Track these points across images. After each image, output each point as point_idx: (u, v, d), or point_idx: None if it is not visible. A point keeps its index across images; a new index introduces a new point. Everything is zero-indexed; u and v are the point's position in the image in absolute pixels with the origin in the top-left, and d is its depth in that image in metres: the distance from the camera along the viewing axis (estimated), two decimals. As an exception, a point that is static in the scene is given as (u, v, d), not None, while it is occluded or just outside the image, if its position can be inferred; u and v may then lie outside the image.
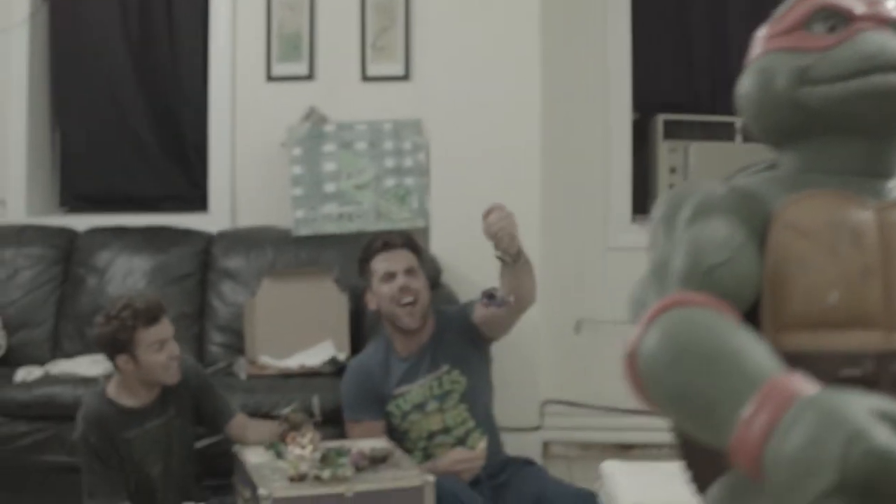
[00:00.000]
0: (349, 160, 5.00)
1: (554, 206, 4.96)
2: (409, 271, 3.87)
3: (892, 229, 1.41)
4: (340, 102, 5.16)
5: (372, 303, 3.94)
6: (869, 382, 1.24)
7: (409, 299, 3.82)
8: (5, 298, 4.92)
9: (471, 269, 4.56)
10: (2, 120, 5.41)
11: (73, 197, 5.71)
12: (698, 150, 5.21)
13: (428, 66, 5.00)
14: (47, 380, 4.38)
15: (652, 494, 1.68)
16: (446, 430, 3.79)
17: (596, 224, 5.26)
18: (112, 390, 3.67)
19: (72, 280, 4.99)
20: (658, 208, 1.48)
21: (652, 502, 1.65)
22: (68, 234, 5.15)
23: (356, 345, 4.53)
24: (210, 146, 5.33)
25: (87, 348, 4.56)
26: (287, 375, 4.41)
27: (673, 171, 5.25)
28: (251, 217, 5.22)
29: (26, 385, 4.34)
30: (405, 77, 5.16)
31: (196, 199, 5.46)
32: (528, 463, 3.90)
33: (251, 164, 5.25)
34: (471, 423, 3.79)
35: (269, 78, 5.25)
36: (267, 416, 3.92)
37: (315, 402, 3.72)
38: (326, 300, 4.66)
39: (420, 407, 3.81)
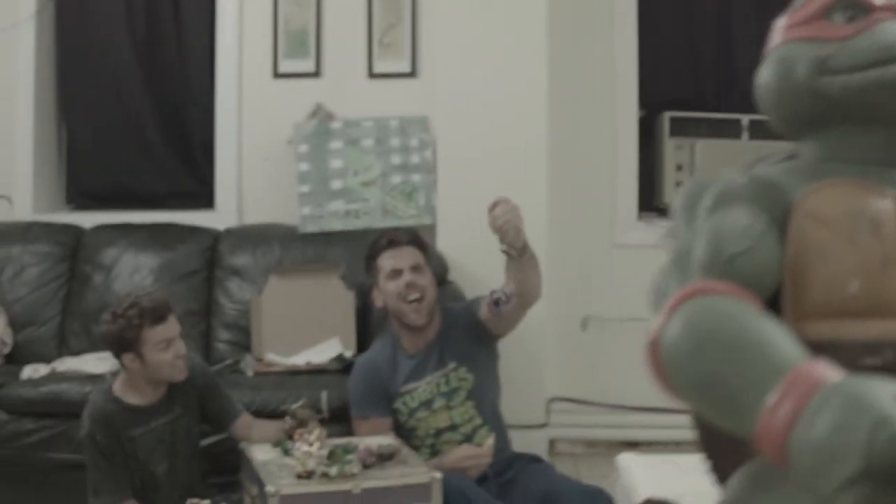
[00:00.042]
0: (356, 157, 5.00)
1: (560, 203, 4.96)
2: (416, 268, 3.87)
3: None
4: (347, 99, 5.15)
5: (378, 300, 3.94)
6: (890, 371, 1.23)
7: (415, 296, 3.82)
8: (12, 296, 4.92)
9: (477, 266, 4.56)
10: (8, 117, 5.42)
11: (80, 194, 5.72)
12: (704, 148, 5.20)
13: (435, 62, 4.99)
14: (54, 377, 4.39)
15: (668, 487, 1.68)
16: (453, 428, 3.78)
17: (602, 221, 5.26)
18: (118, 388, 3.67)
19: (78, 277, 4.99)
20: (678, 198, 1.48)
21: (668, 494, 1.64)
22: (75, 232, 5.14)
23: (363, 342, 4.53)
24: (217, 143, 5.33)
25: (93, 345, 4.56)
26: (294, 372, 4.41)
27: (679, 168, 5.24)
28: (258, 214, 5.22)
29: (33, 382, 4.35)
30: (412, 74, 5.16)
31: (202, 196, 5.46)
32: (535, 460, 3.89)
33: (258, 161, 5.25)
34: (478, 421, 3.79)
35: (276, 75, 5.25)
36: (274, 413, 3.91)
37: (324, 398, 3.72)
38: (333, 297, 4.66)
39: (427, 404, 3.80)
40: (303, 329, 4.59)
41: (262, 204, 5.23)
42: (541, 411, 4.85)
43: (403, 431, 3.77)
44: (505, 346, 4.01)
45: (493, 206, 3.55)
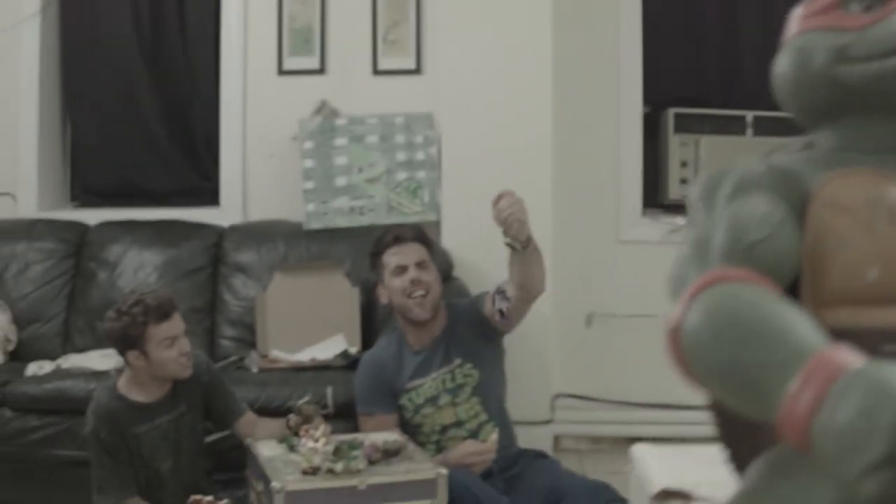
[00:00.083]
0: (360, 154, 5.00)
1: (565, 199, 4.96)
2: (421, 265, 3.87)
3: None
4: (352, 96, 5.15)
5: (384, 296, 3.94)
6: (909, 358, 1.24)
7: (420, 292, 3.82)
8: (16, 293, 4.92)
9: (482, 263, 4.56)
10: (13, 114, 5.42)
11: (84, 191, 5.71)
12: (709, 144, 5.20)
13: (439, 59, 4.99)
14: (58, 374, 4.39)
15: (683, 477, 1.67)
16: (459, 424, 3.79)
17: (607, 218, 5.25)
18: (123, 385, 3.67)
19: (83, 274, 4.99)
20: (696, 187, 1.48)
21: (683, 485, 1.64)
22: (79, 229, 5.15)
23: (367, 338, 4.53)
24: (222, 140, 5.33)
25: (98, 342, 4.57)
26: (299, 369, 4.41)
27: (684, 164, 5.23)
28: (262, 211, 5.22)
29: (37, 379, 4.35)
30: (416, 71, 5.16)
31: (207, 193, 5.46)
32: (540, 455, 3.89)
33: (263, 158, 5.25)
34: (483, 417, 3.79)
35: (281, 72, 5.25)
36: (279, 409, 3.92)
37: (328, 393, 3.72)
38: (338, 294, 4.65)
39: (433, 400, 3.80)
40: (307, 325, 4.59)
41: (267, 201, 5.23)
42: (545, 408, 4.85)
43: (409, 428, 3.77)
44: (510, 342, 4.01)
45: (498, 199, 3.55)
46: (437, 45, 5.03)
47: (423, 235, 4.01)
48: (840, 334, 1.20)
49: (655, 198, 5.33)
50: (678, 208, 5.16)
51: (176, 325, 3.62)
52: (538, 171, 4.77)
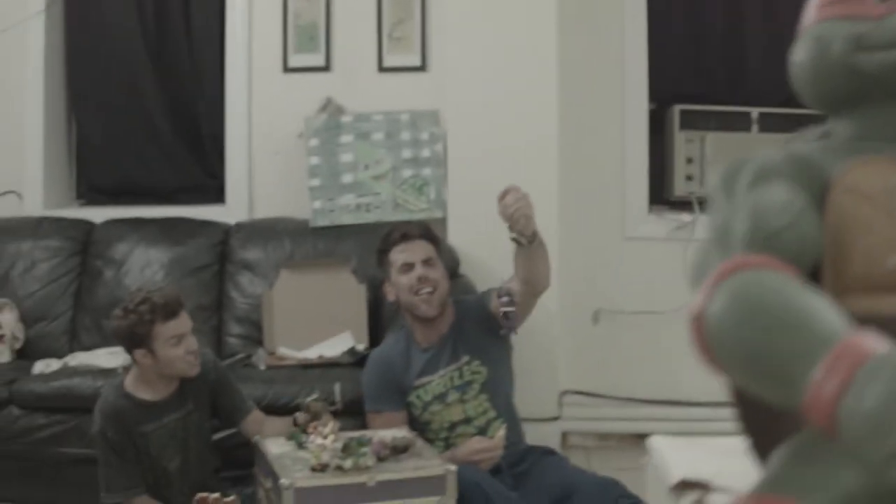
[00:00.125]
0: (366, 151, 4.99)
1: (571, 196, 4.95)
2: (428, 261, 3.87)
3: None
4: (357, 93, 5.15)
5: (391, 294, 3.94)
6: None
7: (427, 289, 3.82)
8: (23, 291, 4.93)
9: (489, 259, 4.55)
10: (18, 112, 5.42)
11: (90, 189, 5.71)
12: (715, 141, 5.19)
13: (445, 56, 4.98)
14: (65, 372, 4.39)
15: (701, 468, 1.68)
16: (467, 421, 3.79)
17: (613, 214, 5.24)
18: (130, 384, 3.67)
19: (89, 272, 4.99)
20: (716, 177, 1.48)
21: (701, 476, 1.65)
22: (85, 226, 5.15)
23: (374, 335, 4.53)
24: (227, 137, 5.33)
25: (104, 340, 4.57)
26: (306, 366, 4.41)
27: (690, 161, 5.22)
28: (268, 208, 5.22)
29: (44, 377, 4.35)
30: (422, 68, 5.15)
31: (213, 191, 5.46)
32: (549, 452, 3.89)
33: (268, 156, 5.25)
34: (492, 413, 3.79)
35: (286, 69, 5.24)
36: (286, 406, 3.92)
37: (337, 388, 3.72)
38: (344, 291, 4.65)
39: (441, 398, 3.80)
40: (314, 323, 4.59)
41: (273, 198, 5.23)
42: (553, 404, 4.85)
43: (417, 425, 3.77)
44: (517, 339, 4.00)
45: (504, 194, 3.55)
46: (442, 42, 5.02)
47: (429, 232, 4.01)
48: (861, 321, 1.20)
49: (661, 194, 5.33)
50: (684, 205, 5.16)
51: (183, 323, 3.63)
52: (544, 168, 4.76)
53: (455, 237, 4.82)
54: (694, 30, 5.53)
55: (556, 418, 4.84)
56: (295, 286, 4.70)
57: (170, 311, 3.58)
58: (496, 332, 3.85)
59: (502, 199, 3.54)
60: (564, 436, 4.98)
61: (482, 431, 3.75)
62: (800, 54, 1.55)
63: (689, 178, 5.19)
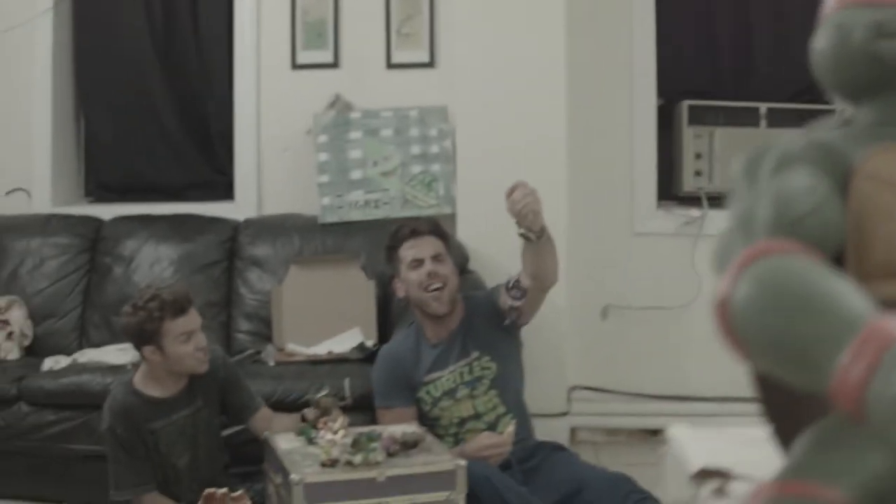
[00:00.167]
0: (375, 147, 4.99)
1: (579, 192, 4.95)
2: (437, 257, 3.87)
3: None
4: (366, 90, 5.15)
5: (400, 290, 3.94)
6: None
7: (437, 285, 3.82)
8: (32, 288, 4.94)
9: (498, 255, 4.55)
10: (26, 110, 5.42)
11: (98, 186, 5.71)
12: (723, 136, 5.19)
13: (453, 52, 4.98)
14: (74, 368, 4.40)
15: (720, 457, 1.67)
16: (477, 417, 3.78)
17: (622, 210, 5.25)
18: (139, 381, 3.67)
19: (98, 269, 5.00)
20: (739, 164, 1.48)
21: (720, 465, 1.64)
22: (94, 223, 5.15)
23: (383, 331, 4.53)
24: (236, 134, 5.33)
25: (113, 337, 4.57)
26: (315, 362, 4.41)
27: (698, 156, 5.22)
28: (277, 205, 5.22)
29: (53, 374, 4.36)
30: (430, 64, 5.15)
31: (222, 188, 5.46)
32: (558, 448, 3.89)
33: (277, 152, 5.24)
34: (501, 409, 3.79)
35: (294, 66, 5.24)
36: (295, 402, 3.91)
37: (346, 384, 3.72)
38: (353, 287, 4.65)
39: (451, 393, 3.80)
40: (323, 319, 4.59)
41: (282, 194, 5.23)
42: (562, 400, 4.84)
43: (427, 421, 3.77)
44: (526, 335, 4.01)
45: (511, 190, 3.55)
46: (450, 38, 5.02)
47: (438, 229, 4.00)
48: (885, 306, 1.20)
49: (670, 190, 5.32)
50: (693, 200, 5.16)
51: (192, 319, 3.62)
52: (552, 164, 4.75)
53: (464, 233, 4.81)
54: (702, 25, 5.53)
55: (564, 414, 4.84)
56: (304, 282, 4.70)
57: (179, 307, 3.58)
58: (506, 328, 3.85)
59: (510, 194, 3.54)
60: (573, 431, 4.99)
61: (492, 427, 3.74)
62: (820, 42, 1.54)
63: (697, 173, 5.19)
